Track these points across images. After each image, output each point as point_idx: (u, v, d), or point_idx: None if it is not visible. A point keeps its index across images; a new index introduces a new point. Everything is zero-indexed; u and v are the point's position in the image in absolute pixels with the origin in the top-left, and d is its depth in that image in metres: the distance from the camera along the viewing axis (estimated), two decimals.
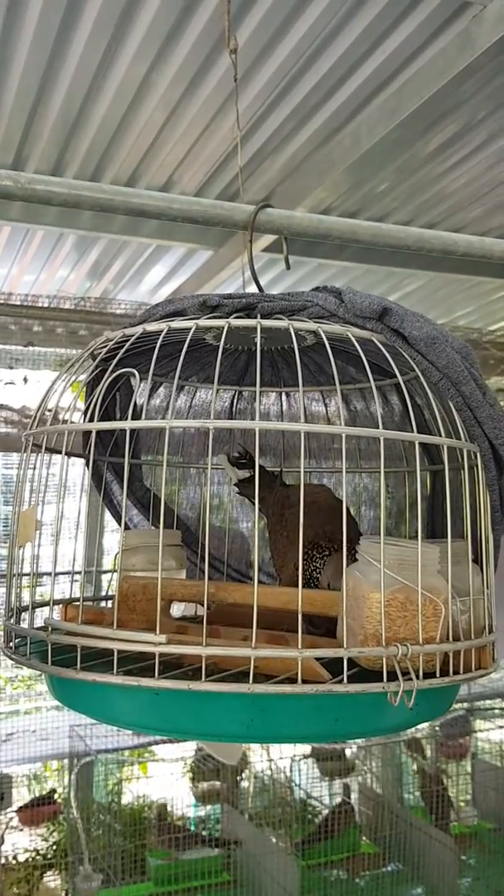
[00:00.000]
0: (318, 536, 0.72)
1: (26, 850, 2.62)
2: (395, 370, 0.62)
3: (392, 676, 0.55)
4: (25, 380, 2.78)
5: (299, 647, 0.54)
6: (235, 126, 1.52)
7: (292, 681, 0.54)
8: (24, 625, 0.67)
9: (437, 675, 0.58)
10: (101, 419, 0.78)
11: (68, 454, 0.70)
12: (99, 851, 2.44)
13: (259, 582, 0.93)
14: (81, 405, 0.76)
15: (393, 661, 0.55)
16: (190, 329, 0.61)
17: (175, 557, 0.81)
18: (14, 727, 3.00)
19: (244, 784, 2.98)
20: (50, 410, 0.69)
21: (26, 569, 0.69)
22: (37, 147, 1.69)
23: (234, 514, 0.94)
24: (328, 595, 0.66)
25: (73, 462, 0.77)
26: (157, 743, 2.84)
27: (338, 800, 2.76)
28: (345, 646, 0.55)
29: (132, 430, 0.80)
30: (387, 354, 0.62)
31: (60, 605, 0.75)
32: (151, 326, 0.63)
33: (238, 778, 2.92)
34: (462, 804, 2.93)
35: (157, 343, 0.63)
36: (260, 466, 0.85)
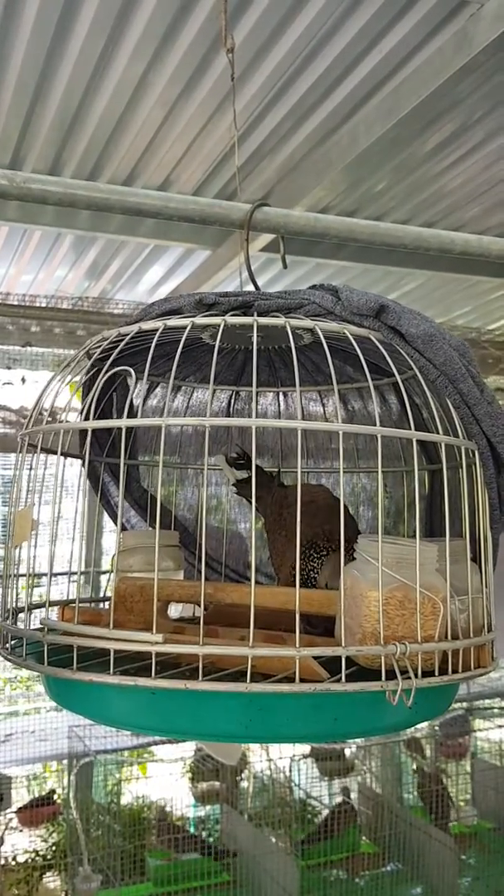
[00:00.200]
0: (316, 536, 0.72)
1: (26, 851, 2.62)
2: (393, 368, 0.62)
3: (391, 675, 0.54)
4: (23, 380, 2.78)
5: (297, 646, 0.54)
6: (233, 125, 1.52)
7: (290, 680, 0.54)
8: (21, 626, 0.67)
9: (436, 673, 0.58)
10: (99, 419, 0.78)
11: (64, 454, 0.70)
12: (98, 852, 2.43)
13: (257, 582, 0.93)
14: (78, 403, 0.76)
15: (391, 660, 0.55)
16: (186, 327, 0.61)
17: (172, 558, 0.81)
18: (13, 728, 3.00)
19: (244, 784, 2.98)
20: (45, 410, 0.69)
21: (23, 569, 0.68)
22: (34, 146, 1.69)
23: (233, 514, 0.94)
24: (326, 594, 0.65)
25: (71, 462, 0.77)
26: (156, 743, 2.84)
27: (338, 800, 2.76)
28: (343, 644, 0.55)
29: (129, 430, 0.80)
30: (384, 352, 0.62)
31: (58, 607, 0.74)
32: (147, 325, 0.63)
33: (237, 778, 2.91)
34: (462, 804, 2.93)
35: (152, 341, 0.63)
36: (257, 466, 0.85)
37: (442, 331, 0.63)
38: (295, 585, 0.72)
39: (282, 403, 0.92)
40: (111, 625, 0.57)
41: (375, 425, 0.58)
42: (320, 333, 0.60)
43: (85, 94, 1.51)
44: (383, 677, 0.54)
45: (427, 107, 1.40)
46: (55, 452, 0.71)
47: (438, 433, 0.64)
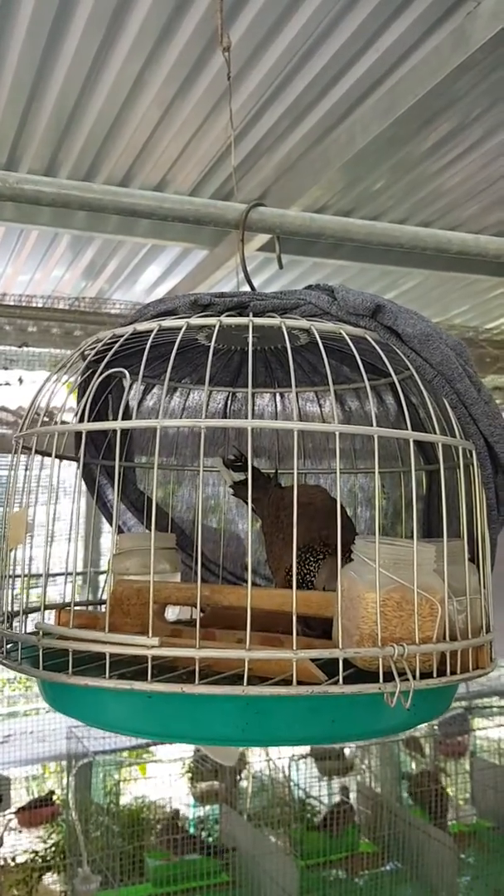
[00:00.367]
0: (313, 541, 0.71)
1: (25, 852, 2.62)
2: (389, 368, 0.61)
3: (388, 677, 0.54)
4: (21, 380, 2.77)
5: (293, 648, 0.53)
6: (229, 125, 1.52)
7: (287, 682, 0.53)
8: (16, 629, 0.66)
9: (434, 675, 0.57)
10: (94, 422, 0.77)
11: (59, 457, 0.70)
12: (98, 853, 2.43)
13: (254, 584, 0.92)
14: (73, 402, 0.76)
15: (389, 662, 0.54)
16: (181, 328, 0.61)
17: (169, 561, 0.81)
18: (12, 729, 3.00)
19: (243, 784, 2.97)
20: (40, 412, 0.68)
21: (18, 572, 0.68)
22: (30, 146, 1.69)
23: (230, 515, 0.94)
24: (324, 596, 0.65)
25: (68, 463, 0.77)
26: (155, 744, 2.84)
27: (336, 800, 2.76)
28: (340, 646, 0.55)
29: (124, 432, 0.79)
30: (380, 352, 0.62)
31: (54, 610, 0.74)
32: (142, 326, 0.62)
33: (237, 778, 2.91)
34: (461, 802, 2.93)
35: (148, 341, 0.63)
36: (254, 468, 0.84)
37: (438, 330, 0.63)
38: (291, 588, 0.72)
39: (279, 404, 0.92)
40: (107, 628, 0.56)
41: (372, 426, 0.58)
42: (316, 334, 0.60)
43: (81, 94, 1.50)
44: (381, 679, 0.53)
45: (424, 105, 1.39)
46: (50, 454, 0.70)
47: (435, 433, 0.63)
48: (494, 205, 2.07)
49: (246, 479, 0.86)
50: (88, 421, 0.64)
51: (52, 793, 2.85)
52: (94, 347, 0.68)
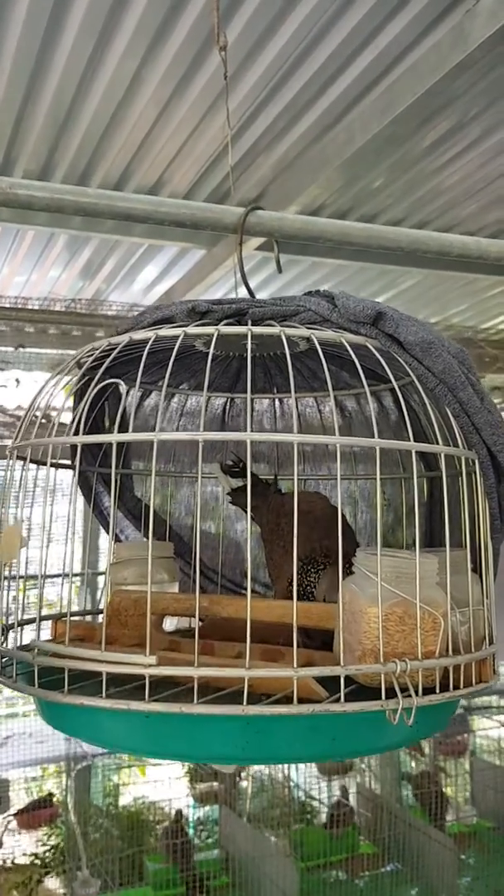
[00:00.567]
0: (314, 551, 0.70)
1: (24, 855, 2.61)
2: (390, 376, 0.60)
3: (391, 693, 0.53)
4: (18, 382, 2.76)
5: (294, 664, 0.52)
6: (226, 124, 1.50)
7: (288, 699, 0.52)
8: (11, 643, 0.65)
9: (437, 690, 0.56)
10: (90, 429, 0.76)
11: (55, 465, 0.68)
12: (97, 857, 2.42)
13: (253, 592, 0.91)
14: (70, 402, 0.74)
15: (392, 678, 0.53)
16: (178, 337, 0.60)
17: (167, 570, 0.80)
18: (11, 730, 2.98)
19: (243, 784, 2.97)
20: (36, 418, 0.67)
21: (14, 585, 0.67)
22: (26, 146, 1.67)
23: (229, 521, 0.92)
24: (325, 608, 0.64)
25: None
26: None
27: (334, 800, 2.75)
28: (342, 662, 0.54)
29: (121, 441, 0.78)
30: (381, 360, 0.61)
31: (51, 620, 0.73)
32: (138, 335, 0.61)
33: (237, 778, 2.90)
34: (461, 801, 2.92)
35: (144, 351, 0.61)
36: (253, 475, 0.83)
37: (441, 338, 0.62)
38: (292, 599, 0.70)
39: (278, 409, 0.91)
40: (104, 641, 0.55)
41: (372, 432, 0.57)
42: (316, 343, 0.59)
43: (77, 93, 1.49)
44: (383, 696, 0.52)
45: (423, 104, 1.38)
46: (45, 464, 0.69)
47: (437, 440, 0.62)
48: (493, 203, 2.05)
49: (244, 486, 0.85)
50: (85, 427, 0.62)
51: (51, 795, 2.84)
52: (91, 355, 0.67)
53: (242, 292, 0.76)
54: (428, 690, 0.56)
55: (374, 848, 2.56)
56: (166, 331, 0.60)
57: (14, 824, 2.72)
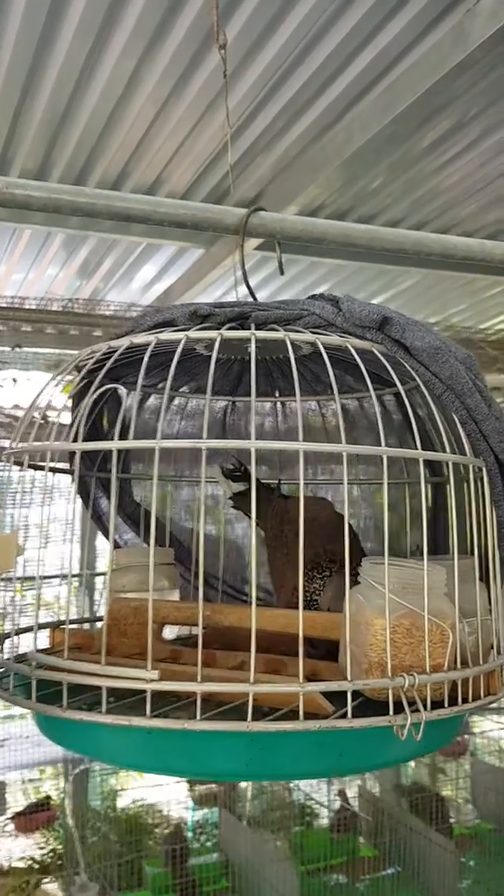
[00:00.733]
0: (318, 557, 0.69)
1: (21, 858, 2.59)
2: (396, 381, 0.59)
3: (398, 707, 0.52)
4: (14, 381, 2.74)
5: (300, 678, 0.51)
6: (226, 123, 1.49)
7: (294, 714, 0.51)
8: (8, 652, 0.63)
9: (446, 703, 0.55)
10: (89, 433, 0.75)
11: (53, 470, 0.67)
12: (96, 864, 2.41)
13: (256, 599, 0.90)
14: (69, 402, 0.73)
15: (399, 692, 0.52)
16: (180, 341, 0.58)
17: (167, 577, 0.78)
18: (8, 733, 2.97)
19: (242, 785, 2.95)
20: (34, 422, 0.66)
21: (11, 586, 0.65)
22: (23, 145, 1.65)
23: (229, 525, 0.91)
24: (329, 618, 0.63)
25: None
26: None
27: (336, 805, 2.74)
28: (348, 677, 0.52)
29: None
30: (387, 365, 0.59)
31: (48, 629, 0.71)
32: (138, 338, 0.60)
33: None
34: (460, 801, 2.91)
35: (145, 354, 0.60)
36: (255, 479, 0.82)
37: (447, 343, 0.61)
38: (294, 607, 0.69)
39: (279, 413, 0.89)
40: (104, 652, 0.54)
41: (376, 433, 0.55)
42: (321, 348, 0.57)
43: (74, 92, 1.47)
44: (391, 711, 0.51)
45: (423, 103, 1.37)
46: (43, 468, 0.68)
47: (444, 446, 0.61)
48: (492, 203, 2.04)
49: (245, 490, 0.84)
50: (83, 430, 0.61)
51: (48, 797, 2.83)
52: (91, 358, 0.66)
53: (242, 291, 0.75)
54: (435, 704, 0.54)
55: (374, 851, 2.55)
56: (168, 335, 0.58)
57: (11, 827, 2.71)
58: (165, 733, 0.50)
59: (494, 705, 3.31)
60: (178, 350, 0.57)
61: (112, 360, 0.62)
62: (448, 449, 0.60)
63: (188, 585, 0.89)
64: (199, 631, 0.55)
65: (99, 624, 0.83)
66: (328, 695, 0.54)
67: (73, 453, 0.76)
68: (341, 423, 0.55)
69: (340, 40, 1.35)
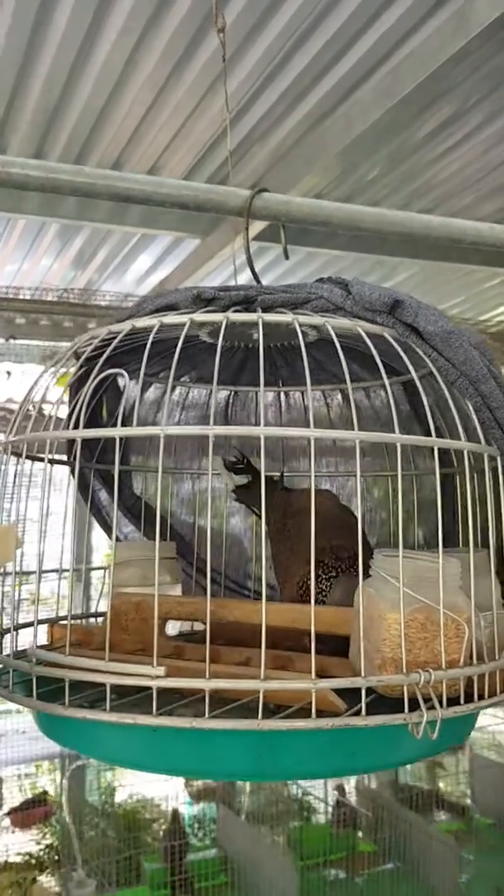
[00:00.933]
0: (323, 553, 0.66)
1: (18, 854, 2.58)
2: (410, 367, 0.57)
3: (413, 705, 0.50)
4: (9, 374, 2.71)
5: (312, 675, 0.49)
6: (224, 108, 1.46)
7: (305, 711, 0.49)
8: (8, 649, 0.61)
9: (462, 699, 0.53)
10: (88, 422, 0.72)
11: (52, 461, 0.65)
12: (94, 860, 2.39)
13: (258, 593, 0.88)
14: (66, 396, 0.71)
15: (414, 689, 0.50)
16: (184, 325, 0.56)
17: (169, 571, 0.76)
18: (4, 728, 2.95)
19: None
20: (31, 412, 0.64)
21: (9, 589, 0.63)
22: (17, 130, 1.62)
23: (233, 520, 0.89)
24: (338, 612, 0.60)
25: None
26: None
27: (333, 801, 2.73)
28: (362, 673, 0.50)
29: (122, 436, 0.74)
30: (400, 350, 0.57)
31: (47, 625, 0.69)
32: (141, 322, 0.57)
33: None
34: (460, 797, 2.91)
35: (146, 340, 0.58)
36: (258, 471, 0.80)
37: (461, 328, 0.59)
38: (301, 602, 0.67)
39: (282, 403, 0.87)
40: (108, 648, 0.51)
41: (380, 423, 0.53)
42: (331, 331, 0.55)
43: (70, 76, 1.44)
44: (406, 709, 0.49)
45: (423, 90, 1.35)
46: (41, 459, 0.65)
47: (459, 435, 0.59)
48: (492, 193, 2.02)
49: (248, 483, 0.81)
50: (83, 421, 0.58)
51: (45, 793, 2.81)
52: (90, 344, 0.63)
53: (241, 280, 0.73)
54: (452, 701, 0.52)
55: (373, 846, 2.54)
56: (172, 318, 0.56)
57: (7, 823, 2.69)
58: (172, 732, 0.48)
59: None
60: (183, 333, 0.54)
61: (112, 346, 0.60)
62: (462, 435, 0.58)
63: (189, 580, 0.87)
64: (207, 626, 0.53)
65: (97, 620, 0.81)
66: (342, 693, 0.52)
67: (71, 444, 0.74)
68: (353, 411, 0.53)
69: (341, 24, 1.32)
